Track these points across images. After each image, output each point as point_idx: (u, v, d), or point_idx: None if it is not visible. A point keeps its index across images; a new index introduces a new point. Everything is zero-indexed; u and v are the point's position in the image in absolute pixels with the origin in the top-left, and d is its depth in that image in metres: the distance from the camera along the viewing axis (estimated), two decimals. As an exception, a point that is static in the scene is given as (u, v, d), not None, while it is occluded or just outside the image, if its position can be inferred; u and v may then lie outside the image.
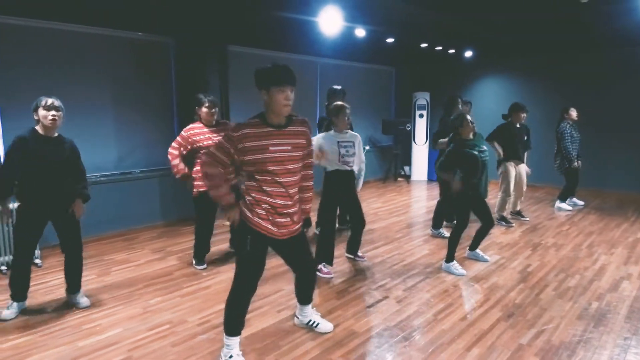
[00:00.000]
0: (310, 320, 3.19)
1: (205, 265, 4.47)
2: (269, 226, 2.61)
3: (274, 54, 7.45)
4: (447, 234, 5.44)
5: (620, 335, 3.09)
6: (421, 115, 9.61)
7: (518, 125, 5.93)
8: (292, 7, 5.88)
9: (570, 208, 6.84)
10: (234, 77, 6.52)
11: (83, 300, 3.59)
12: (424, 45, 8.47)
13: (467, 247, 4.71)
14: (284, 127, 2.59)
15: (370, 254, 4.79)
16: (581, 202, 7.12)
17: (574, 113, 6.67)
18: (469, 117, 4.27)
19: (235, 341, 2.73)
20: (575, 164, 6.54)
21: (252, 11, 5.98)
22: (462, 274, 4.23)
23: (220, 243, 5.17)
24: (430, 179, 9.56)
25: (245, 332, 3.13)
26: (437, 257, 4.70)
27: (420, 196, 8.17)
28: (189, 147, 4.29)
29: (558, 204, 6.92)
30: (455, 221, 5.94)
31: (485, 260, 4.58)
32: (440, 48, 8.73)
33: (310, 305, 3.20)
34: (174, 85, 6.20)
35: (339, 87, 5.51)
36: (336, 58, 8.50)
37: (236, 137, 2.50)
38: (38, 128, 3.26)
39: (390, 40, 8.00)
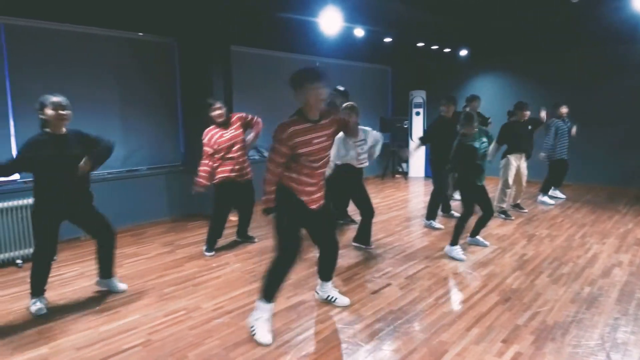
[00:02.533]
0: (329, 296, 3.53)
1: (213, 253, 4.76)
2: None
3: (275, 54, 7.63)
4: (437, 225, 5.71)
5: (611, 315, 3.29)
6: (418, 113, 9.81)
7: (522, 121, 6.19)
8: (294, 8, 6.06)
9: (552, 202, 7.03)
10: (237, 77, 6.69)
11: (120, 285, 3.81)
12: (420, 44, 8.69)
13: (468, 235, 4.98)
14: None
15: (373, 244, 4.98)
16: (563, 196, 7.33)
17: (564, 110, 6.91)
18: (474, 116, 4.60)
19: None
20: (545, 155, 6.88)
21: (255, 12, 6.16)
22: (462, 259, 4.51)
23: (228, 237, 5.34)
24: (427, 175, 9.77)
25: (258, 317, 3.31)
26: (437, 248, 4.89)
27: (418, 192, 8.37)
28: (213, 150, 4.66)
29: (540, 197, 7.13)
30: (449, 212, 6.20)
31: (485, 245, 4.90)
32: (436, 47, 8.95)
33: (330, 282, 3.54)
34: (179, 85, 6.37)
35: (342, 88, 5.66)
36: (334, 57, 8.69)
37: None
38: (46, 127, 3.30)
39: (387, 39, 8.20)
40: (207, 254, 4.75)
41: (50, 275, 4.13)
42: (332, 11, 6.10)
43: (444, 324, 3.20)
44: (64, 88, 5.06)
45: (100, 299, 3.67)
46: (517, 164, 6.23)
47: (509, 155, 6.20)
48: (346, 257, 4.65)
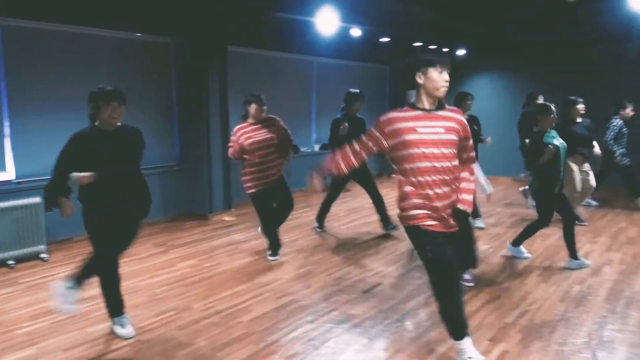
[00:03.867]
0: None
1: (277, 257, 4.61)
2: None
3: (273, 54, 7.64)
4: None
5: (598, 314, 3.30)
6: (415, 113, 9.78)
7: (579, 120, 5.53)
8: (291, 8, 6.07)
9: None
10: (233, 78, 6.70)
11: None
12: (418, 44, 8.69)
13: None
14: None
15: (365, 245, 5.00)
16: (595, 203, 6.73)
17: (629, 111, 6.34)
18: (552, 107, 4.19)
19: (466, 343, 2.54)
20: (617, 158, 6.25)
21: (252, 12, 6.17)
22: (586, 264, 4.26)
23: (221, 237, 5.37)
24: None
25: (247, 317, 3.33)
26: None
27: (414, 191, 8.36)
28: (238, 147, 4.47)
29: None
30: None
31: (526, 257, 4.57)
32: (434, 47, 8.95)
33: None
34: (175, 85, 6.38)
35: (357, 91, 5.56)
36: (332, 57, 8.69)
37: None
38: (96, 122, 2.96)
39: (384, 39, 8.21)
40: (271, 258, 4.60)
41: (42, 276, 4.19)
42: (329, 11, 6.11)
43: (433, 323, 3.20)
44: (60, 89, 5.12)
45: (90, 300, 3.66)
46: (577, 167, 5.52)
47: (567, 160, 5.46)
48: (338, 256, 4.66)
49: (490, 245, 4.96)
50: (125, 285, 3.88)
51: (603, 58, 7.95)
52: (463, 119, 2.54)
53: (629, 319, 3.21)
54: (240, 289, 3.84)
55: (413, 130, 2.41)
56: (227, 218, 6.24)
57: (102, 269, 3.05)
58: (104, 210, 2.92)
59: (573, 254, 4.26)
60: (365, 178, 5.38)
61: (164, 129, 6.33)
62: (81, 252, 4.75)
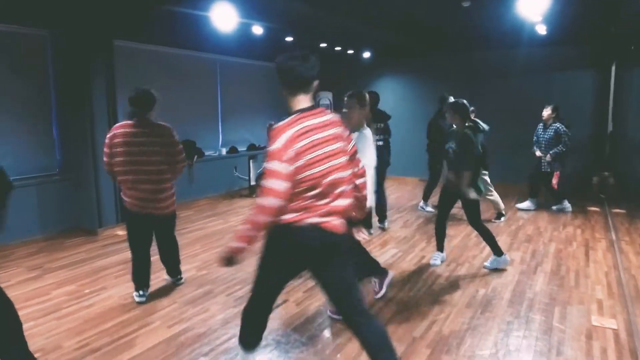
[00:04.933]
0: None
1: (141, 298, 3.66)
2: None
3: (168, 50, 7.06)
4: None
5: (503, 320, 3.28)
6: (324, 115, 9.67)
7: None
8: (183, 2, 5.58)
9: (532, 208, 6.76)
10: (125, 76, 6.05)
11: None
12: (323, 45, 8.55)
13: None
14: None
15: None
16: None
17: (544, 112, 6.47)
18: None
19: None
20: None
21: (141, 3, 5.58)
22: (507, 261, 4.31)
23: (111, 255, 4.76)
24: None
25: (129, 353, 2.87)
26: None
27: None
28: None
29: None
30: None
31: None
32: (339, 48, 8.87)
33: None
34: (53, 83, 5.59)
35: None
36: (236, 56, 8.27)
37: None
38: None
39: (289, 39, 7.95)
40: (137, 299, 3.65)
41: None
42: (226, 6, 5.70)
43: (339, 343, 2.98)
44: None
45: None
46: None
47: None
48: (242, 272, 4.30)
49: (399, 249, 4.88)
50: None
51: (499, 62, 8.38)
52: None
53: (532, 323, 3.22)
54: (125, 319, 3.34)
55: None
56: (120, 232, 5.59)
57: None
58: None
59: (497, 252, 4.28)
60: None
61: (40, 134, 5.52)
62: None
